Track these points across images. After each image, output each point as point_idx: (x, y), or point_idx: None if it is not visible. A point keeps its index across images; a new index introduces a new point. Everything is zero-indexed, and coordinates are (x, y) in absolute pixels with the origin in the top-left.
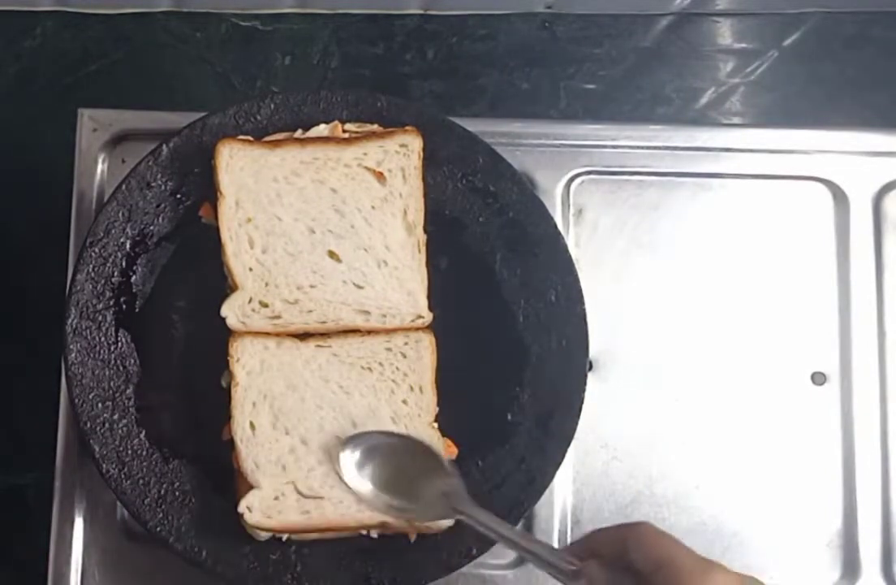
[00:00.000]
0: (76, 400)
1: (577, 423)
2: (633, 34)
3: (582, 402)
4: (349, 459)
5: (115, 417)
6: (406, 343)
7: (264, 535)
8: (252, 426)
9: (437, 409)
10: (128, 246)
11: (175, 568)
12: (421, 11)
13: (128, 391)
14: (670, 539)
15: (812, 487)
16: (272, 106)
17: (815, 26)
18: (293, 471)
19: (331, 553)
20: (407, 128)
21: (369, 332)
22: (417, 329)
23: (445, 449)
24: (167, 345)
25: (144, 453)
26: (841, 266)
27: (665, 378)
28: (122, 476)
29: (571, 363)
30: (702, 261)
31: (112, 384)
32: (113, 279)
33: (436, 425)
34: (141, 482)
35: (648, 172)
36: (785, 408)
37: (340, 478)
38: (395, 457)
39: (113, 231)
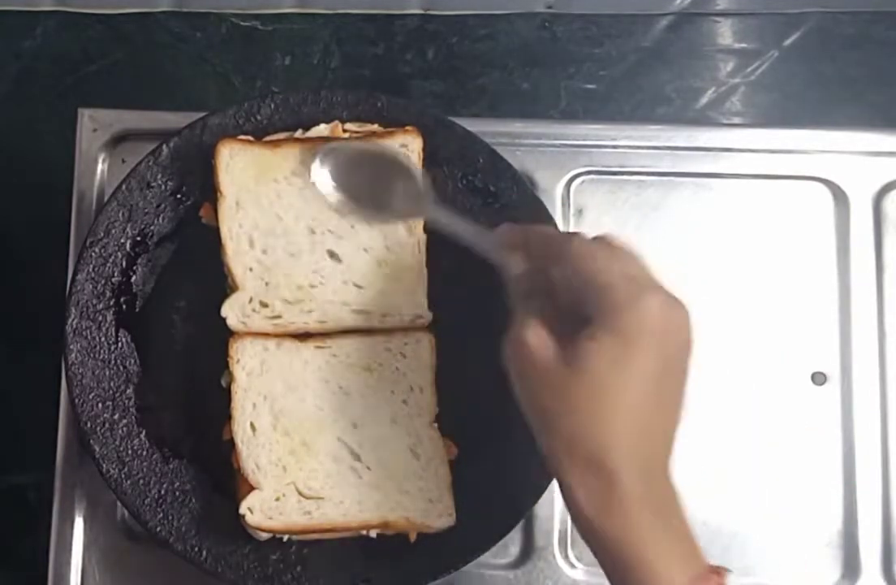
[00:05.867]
0: (76, 400)
1: None
2: (633, 34)
3: None
4: (319, 170)
5: (116, 417)
6: (406, 343)
7: (265, 535)
8: (252, 427)
9: (437, 409)
10: (128, 246)
11: (175, 568)
12: (421, 11)
13: (128, 391)
14: (607, 255)
15: (812, 487)
16: (272, 106)
17: (815, 26)
18: (294, 472)
19: (331, 553)
20: (407, 128)
21: (369, 332)
22: (417, 329)
23: (446, 449)
24: (167, 345)
25: (145, 453)
26: (841, 266)
27: None
28: (123, 476)
29: None
30: (702, 261)
31: (112, 384)
32: (113, 279)
33: (436, 425)
34: (141, 482)
35: (648, 172)
36: (785, 408)
37: (315, 189)
38: (365, 167)
39: (113, 231)
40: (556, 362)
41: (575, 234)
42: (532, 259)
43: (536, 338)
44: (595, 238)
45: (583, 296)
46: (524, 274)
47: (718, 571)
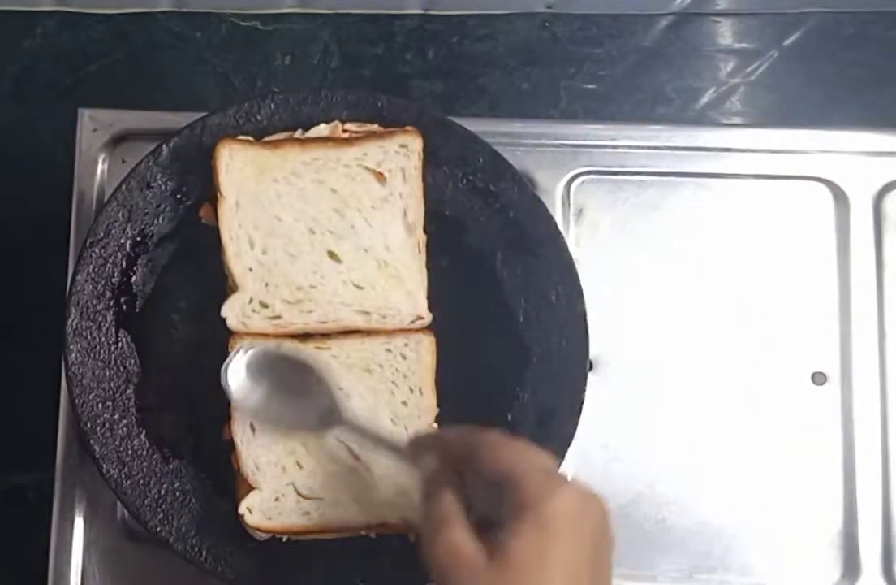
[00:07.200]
0: (76, 400)
1: (577, 423)
2: (633, 34)
3: (582, 402)
4: (236, 373)
5: (116, 417)
6: (406, 345)
7: (264, 535)
8: (252, 427)
9: (438, 410)
10: (128, 246)
11: (175, 568)
12: (421, 11)
13: (128, 392)
14: (519, 451)
15: (812, 487)
16: (272, 106)
17: (815, 26)
18: (293, 473)
19: (331, 553)
20: (407, 128)
21: (369, 333)
22: (417, 331)
23: None
24: (167, 345)
25: (145, 453)
26: (841, 266)
27: (665, 378)
28: (123, 477)
29: (571, 363)
30: (702, 261)
31: (112, 384)
32: (113, 280)
33: (436, 425)
34: (141, 482)
35: (648, 172)
36: (785, 408)
37: (227, 392)
38: (280, 375)
39: (113, 231)
40: (481, 559)
41: (486, 430)
42: (445, 459)
43: (460, 537)
44: (505, 437)
45: (499, 491)
46: (437, 474)
47: None
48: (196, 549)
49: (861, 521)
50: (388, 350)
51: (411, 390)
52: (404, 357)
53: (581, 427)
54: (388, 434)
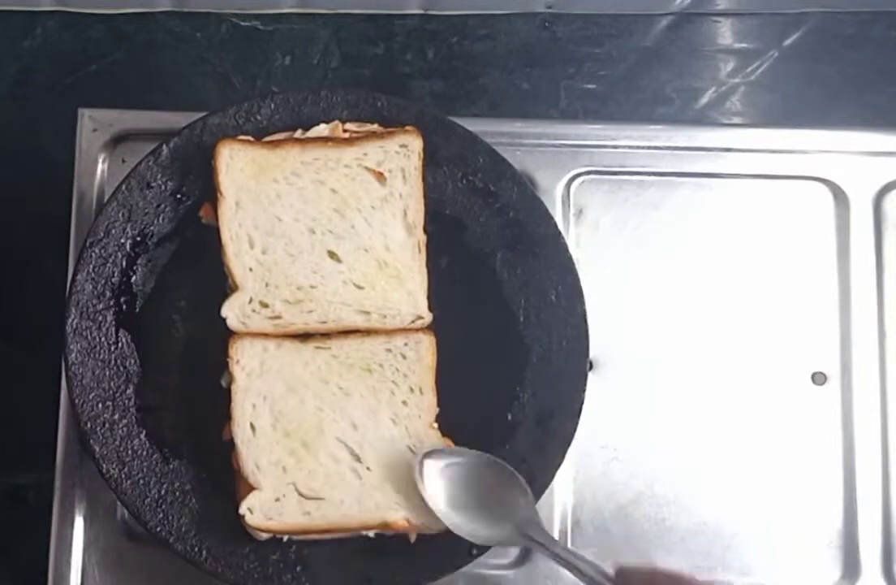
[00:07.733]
0: (76, 400)
1: (577, 423)
2: (633, 34)
3: (582, 402)
4: (431, 471)
5: (116, 417)
6: (406, 344)
7: (264, 535)
8: (252, 427)
9: (438, 409)
10: (128, 246)
11: (175, 568)
12: (421, 11)
13: (128, 392)
14: None
15: (812, 487)
16: (272, 106)
17: (815, 26)
18: (294, 472)
19: (331, 553)
20: (407, 128)
21: (369, 333)
22: (417, 330)
23: None
24: (167, 345)
25: (145, 453)
26: (841, 266)
27: (665, 378)
28: (123, 477)
29: (571, 363)
30: (702, 261)
31: (112, 384)
32: (113, 279)
33: (436, 425)
34: (141, 482)
35: (648, 172)
36: (785, 408)
37: (421, 491)
38: (470, 475)
39: (113, 231)
40: None
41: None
42: None
43: None
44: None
45: None
46: None
47: None
48: (196, 549)
49: (861, 521)
50: (389, 350)
51: (411, 389)
52: (404, 357)
53: (581, 427)
54: (591, 563)
